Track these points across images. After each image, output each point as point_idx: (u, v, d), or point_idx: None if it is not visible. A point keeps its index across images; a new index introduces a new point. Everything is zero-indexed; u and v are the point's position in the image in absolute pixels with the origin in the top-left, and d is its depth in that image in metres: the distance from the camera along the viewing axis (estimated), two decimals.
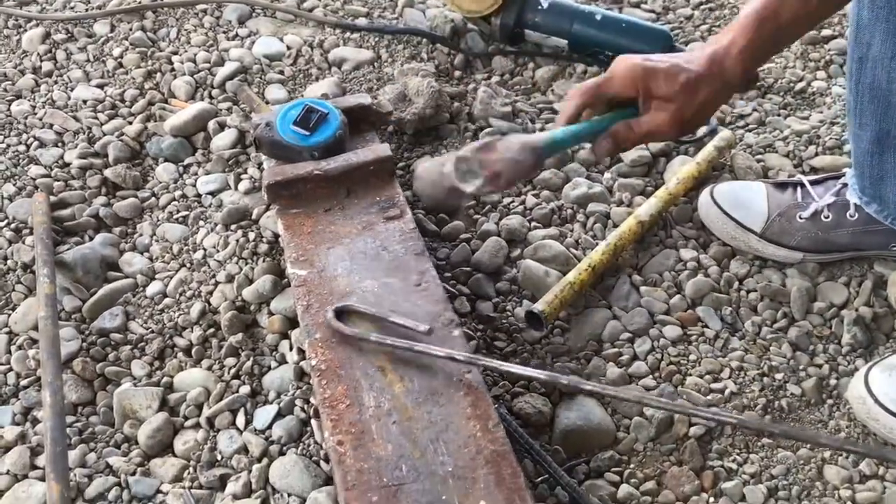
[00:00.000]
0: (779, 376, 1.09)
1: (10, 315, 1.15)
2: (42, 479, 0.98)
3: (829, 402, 1.07)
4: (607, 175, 1.35)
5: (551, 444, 1.02)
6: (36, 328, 1.10)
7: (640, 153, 1.36)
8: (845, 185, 1.18)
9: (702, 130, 1.40)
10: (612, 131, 1.01)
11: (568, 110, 1.02)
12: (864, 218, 1.15)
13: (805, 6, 0.95)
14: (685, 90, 0.97)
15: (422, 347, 0.93)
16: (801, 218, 1.18)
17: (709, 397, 1.06)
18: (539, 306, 1.11)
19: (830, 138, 1.39)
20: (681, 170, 1.32)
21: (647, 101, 1.00)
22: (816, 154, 1.38)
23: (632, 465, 1.01)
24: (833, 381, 1.09)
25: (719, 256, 1.23)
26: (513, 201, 1.31)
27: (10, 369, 1.10)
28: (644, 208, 1.25)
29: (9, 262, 1.21)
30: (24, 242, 1.23)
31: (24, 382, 1.09)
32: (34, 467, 1.00)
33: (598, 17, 1.52)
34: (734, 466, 1.00)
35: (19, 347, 1.12)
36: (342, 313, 0.99)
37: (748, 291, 1.19)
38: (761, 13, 0.96)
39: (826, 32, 1.62)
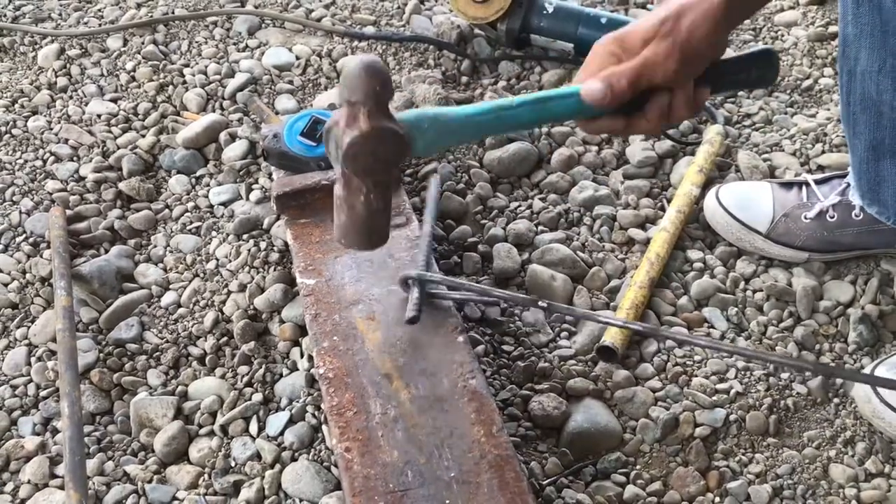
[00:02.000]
0: (784, 376, 1.10)
1: (29, 327, 1.18)
2: (62, 487, 1.00)
3: (836, 400, 1.08)
4: (615, 175, 1.37)
5: (559, 447, 1.04)
6: (54, 340, 1.13)
7: (646, 154, 1.37)
8: (850, 184, 1.18)
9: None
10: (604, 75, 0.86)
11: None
12: (869, 217, 1.15)
13: None
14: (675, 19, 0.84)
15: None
16: (806, 218, 1.19)
17: (714, 398, 1.07)
18: (609, 340, 1.10)
19: (837, 136, 1.39)
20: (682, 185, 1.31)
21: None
22: (823, 152, 1.38)
23: (638, 467, 1.02)
24: (839, 380, 1.09)
25: (725, 257, 1.24)
26: (519, 205, 1.33)
27: (31, 380, 1.13)
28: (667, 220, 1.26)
29: (27, 275, 1.24)
30: (41, 256, 1.26)
31: (43, 393, 1.11)
32: (54, 476, 1.03)
33: (604, 20, 1.53)
34: (739, 467, 1.01)
35: (39, 359, 1.15)
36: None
37: (754, 291, 1.20)
38: None
39: (833, 29, 1.62)
